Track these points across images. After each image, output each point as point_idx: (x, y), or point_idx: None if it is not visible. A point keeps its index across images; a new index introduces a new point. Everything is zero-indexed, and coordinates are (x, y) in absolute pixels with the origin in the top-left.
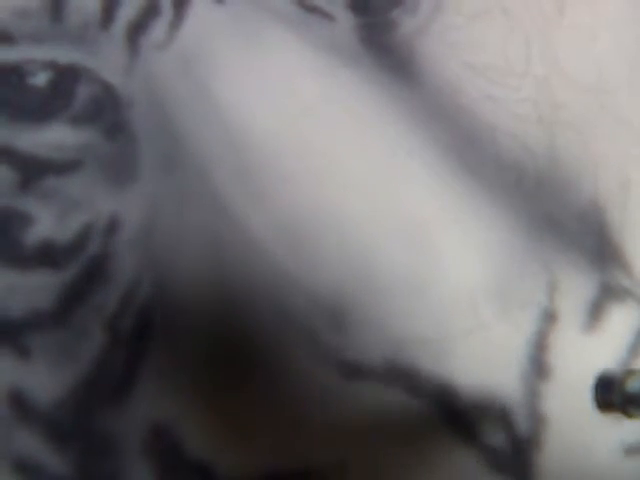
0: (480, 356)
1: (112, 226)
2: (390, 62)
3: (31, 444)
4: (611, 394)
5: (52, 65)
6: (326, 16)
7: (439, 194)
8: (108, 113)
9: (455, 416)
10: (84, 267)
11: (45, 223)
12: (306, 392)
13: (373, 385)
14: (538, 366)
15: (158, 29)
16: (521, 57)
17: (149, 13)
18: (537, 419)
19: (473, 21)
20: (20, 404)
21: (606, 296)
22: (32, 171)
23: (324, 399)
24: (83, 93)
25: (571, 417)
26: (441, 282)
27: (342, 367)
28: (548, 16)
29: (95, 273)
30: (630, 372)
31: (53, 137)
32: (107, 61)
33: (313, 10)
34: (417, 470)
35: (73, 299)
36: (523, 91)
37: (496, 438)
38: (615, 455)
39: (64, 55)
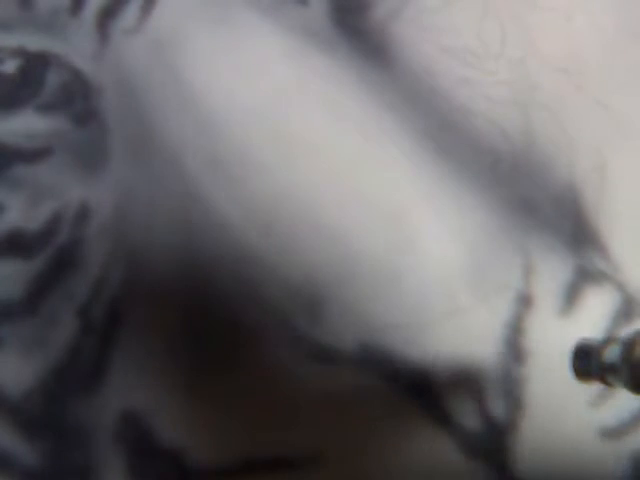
0: (456, 340)
1: (82, 213)
2: (364, 46)
3: (1, 433)
4: (589, 363)
5: (21, 52)
6: (299, 0)
7: (414, 179)
8: (78, 100)
9: (431, 401)
10: (54, 255)
11: (14, 211)
12: (280, 378)
13: (349, 371)
14: (515, 350)
15: (129, 14)
16: (496, 40)
17: None
18: (514, 403)
19: (448, 4)
20: None
21: (582, 279)
22: (1, 159)
23: (299, 385)
24: (53, 80)
25: (548, 401)
26: (417, 267)
27: (317, 353)
28: None
29: (65, 261)
30: (607, 341)
31: (22, 124)
32: (77, 47)
33: None
34: (393, 456)
35: (43, 287)
36: (498, 74)
37: (473, 422)
38: (592, 439)
39: (33, 42)
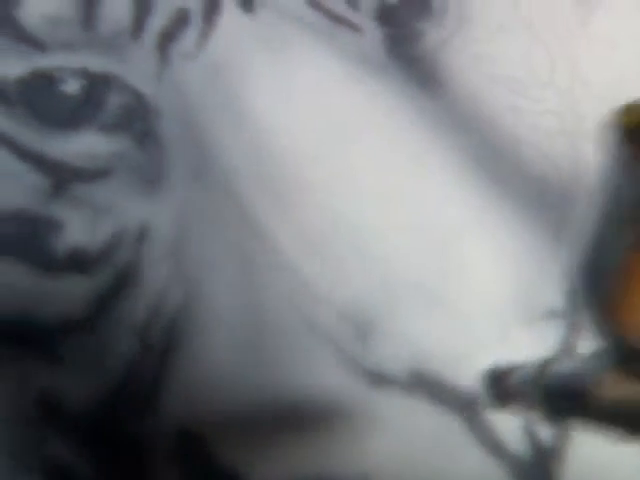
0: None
1: (142, 234)
2: (416, 73)
3: (62, 449)
4: (500, 388)
5: (83, 73)
6: (353, 27)
7: (463, 204)
8: (138, 121)
9: (479, 426)
10: (114, 274)
11: (76, 230)
12: (332, 402)
13: (398, 395)
14: None
15: (188, 39)
16: (544, 69)
17: (179, 23)
18: (560, 431)
19: (497, 33)
20: (52, 410)
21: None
22: (63, 178)
23: (350, 409)
24: (114, 101)
25: None
26: (465, 292)
27: (367, 377)
28: (571, 28)
29: (125, 280)
30: (519, 366)
31: (84, 144)
32: (137, 70)
33: (340, 21)
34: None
35: (103, 306)
36: (546, 103)
37: (520, 449)
38: (637, 469)
39: (95, 63)
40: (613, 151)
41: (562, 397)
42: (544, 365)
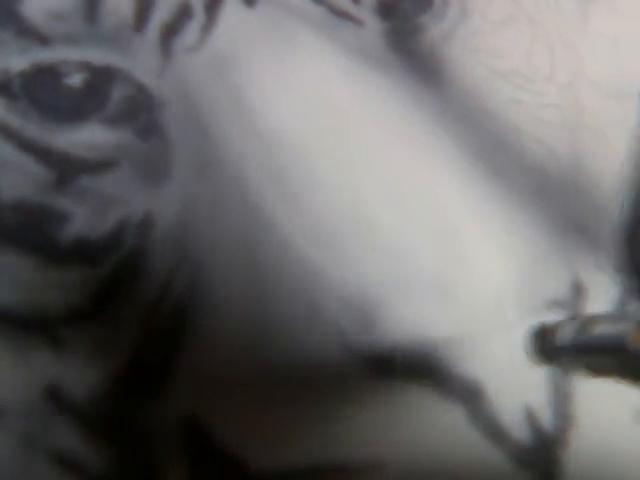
0: (506, 356)
1: (146, 224)
2: (417, 67)
3: (67, 438)
4: (544, 345)
5: (87, 66)
6: (354, 21)
7: (466, 196)
8: (142, 114)
9: (482, 414)
10: (119, 263)
11: (80, 220)
12: (336, 389)
13: (402, 384)
14: None
15: (190, 32)
16: (545, 63)
17: (181, 16)
18: (563, 418)
19: (498, 27)
20: (57, 398)
21: (632, 297)
22: (67, 170)
23: (355, 397)
24: (117, 94)
25: (598, 416)
26: (468, 283)
27: (371, 365)
28: (572, 22)
29: (130, 269)
30: (562, 324)
31: (88, 136)
32: (141, 63)
33: (342, 15)
34: (447, 467)
35: (108, 295)
36: (548, 96)
37: (522, 435)
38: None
39: (98, 56)
40: None
41: (601, 351)
42: (585, 322)
